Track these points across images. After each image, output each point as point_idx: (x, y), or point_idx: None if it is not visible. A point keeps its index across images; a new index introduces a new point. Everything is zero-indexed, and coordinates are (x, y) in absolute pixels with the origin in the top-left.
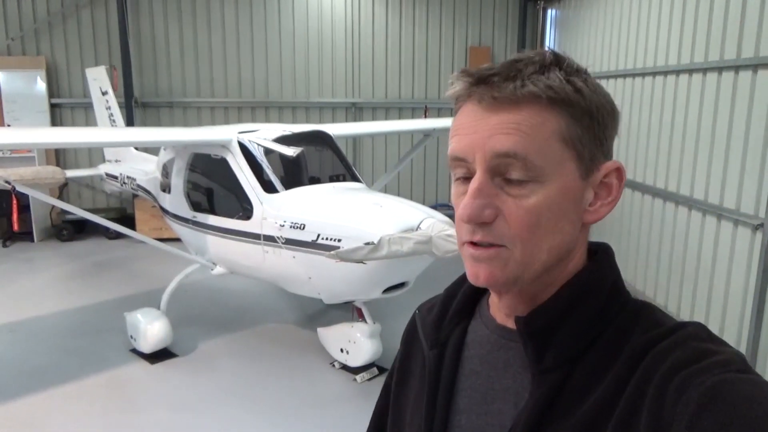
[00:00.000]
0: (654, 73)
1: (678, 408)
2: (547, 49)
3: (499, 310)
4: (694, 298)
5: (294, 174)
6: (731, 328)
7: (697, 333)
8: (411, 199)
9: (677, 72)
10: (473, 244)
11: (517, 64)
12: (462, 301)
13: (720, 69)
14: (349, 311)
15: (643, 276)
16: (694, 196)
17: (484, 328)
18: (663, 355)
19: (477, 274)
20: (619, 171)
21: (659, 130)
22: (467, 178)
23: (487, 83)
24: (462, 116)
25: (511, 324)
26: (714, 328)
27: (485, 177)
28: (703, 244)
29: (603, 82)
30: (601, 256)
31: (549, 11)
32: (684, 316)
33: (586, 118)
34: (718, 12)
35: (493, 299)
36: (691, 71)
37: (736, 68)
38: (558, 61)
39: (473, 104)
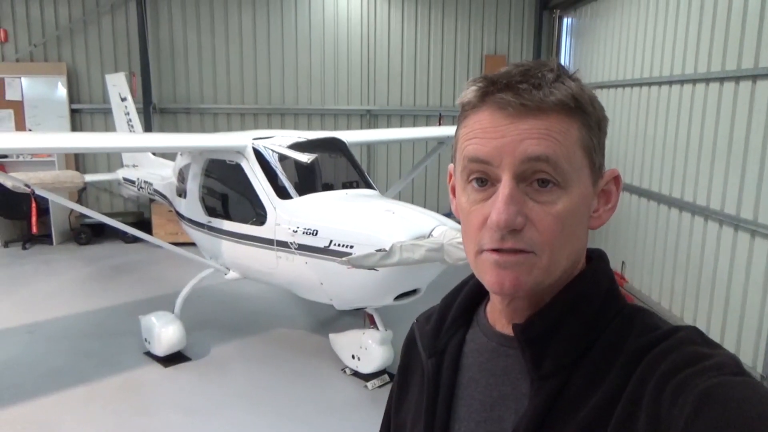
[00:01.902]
0: (670, 82)
1: (674, 411)
2: (551, 58)
3: (501, 317)
4: (710, 309)
5: (307, 180)
6: (748, 339)
7: (692, 337)
8: (424, 206)
9: (694, 81)
10: (496, 250)
11: (533, 71)
12: (459, 310)
13: (737, 78)
14: (361, 318)
15: (658, 286)
16: (710, 206)
17: (482, 336)
18: (659, 359)
19: (502, 282)
20: (617, 179)
21: (675, 139)
22: (482, 184)
23: (515, 90)
24: (482, 121)
25: (509, 331)
26: (731, 340)
27: (514, 183)
28: (720, 255)
29: (619, 91)
30: (596, 262)
31: (565, 20)
32: (700, 327)
33: (596, 126)
34: (735, 21)
35: (493, 307)
36: (707, 80)
37: (754, 77)
38: (565, 70)
39: (493, 110)
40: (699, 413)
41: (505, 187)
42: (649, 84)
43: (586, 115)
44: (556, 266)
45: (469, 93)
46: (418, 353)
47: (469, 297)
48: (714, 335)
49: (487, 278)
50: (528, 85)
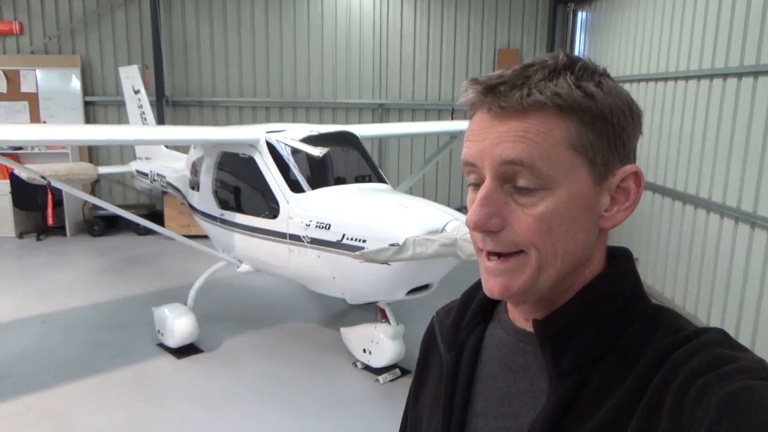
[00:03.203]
0: (686, 77)
1: (697, 414)
2: (560, 51)
3: (519, 314)
4: (725, 306)
5: (320, 174)
6: (763, 339)
7: (718, 339)
8: (436, 201)
9: (711, 76)
10: (489, 255)
11: (527, 70)
12: (480, 305)
13: (756, 73)
14: (373, 312)
15: (672, 284)
16: (726, 202)
17: (502, 331)
18: (683, 361)
19: (491, 288)
20: (636, 175)
21: (691, 134)
22: (478, 185)
23: (494, 92)
24: (473, 123)
25: (530, 327)
26: (746, 339)
27: (494, 184)
28: (735, 252)
29: (634, 86)
30: (620, 260)
31: (579, 14)
32: (714, 325)
33: (599, 123)
34: (754, 15)
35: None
36: (725, 75)
37: None
38: (571, 64)
39: (482, 113)
40: (723, 417)
41: (483, 189)
42: (665, 79)
43: (579, 112)
44: (547, 267)
45: (467, 96)
46: (437, 347)
47: None
48: None
49: (482, 282)
50: (507, 86)
